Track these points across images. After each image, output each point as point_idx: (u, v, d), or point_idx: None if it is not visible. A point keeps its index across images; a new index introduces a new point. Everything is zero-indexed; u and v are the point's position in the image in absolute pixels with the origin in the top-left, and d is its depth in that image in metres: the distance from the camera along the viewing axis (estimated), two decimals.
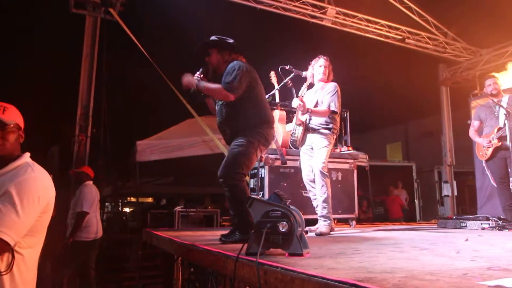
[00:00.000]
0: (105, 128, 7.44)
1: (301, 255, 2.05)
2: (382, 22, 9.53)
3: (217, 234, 3.28)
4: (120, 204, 13.88)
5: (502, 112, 5.12)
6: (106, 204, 12.28)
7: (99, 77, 7.49)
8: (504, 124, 4.98)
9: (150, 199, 15.85)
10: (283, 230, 2.06)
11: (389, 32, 9.70)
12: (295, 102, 4.33)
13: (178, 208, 7.61)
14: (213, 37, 3.43)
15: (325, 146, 4.26)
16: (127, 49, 7.95)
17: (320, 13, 8.90)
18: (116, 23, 7.49)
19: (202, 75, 3.33)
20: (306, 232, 3.94)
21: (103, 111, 7.50)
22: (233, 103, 3.19)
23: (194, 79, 3.26)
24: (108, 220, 11.10)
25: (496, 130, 5.16)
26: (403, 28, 9.80)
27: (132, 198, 14.96)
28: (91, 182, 5.77)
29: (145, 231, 4.78)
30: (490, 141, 5.17)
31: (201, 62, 3.44)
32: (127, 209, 15.54)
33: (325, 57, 4.56)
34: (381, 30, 9.60)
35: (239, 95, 3.18)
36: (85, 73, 7.36)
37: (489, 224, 4.41)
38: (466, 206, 11.60)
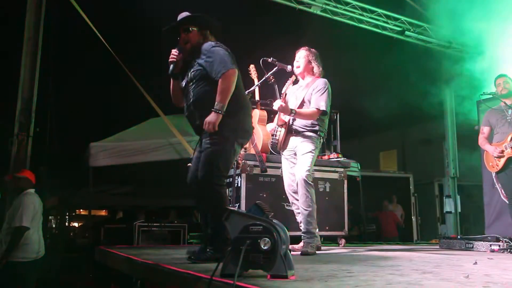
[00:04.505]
0: (51, 127, 7.27)
1: (285, 277, 2.05)
2: (379, 11, 9.62)
3: (184, 252, 3.23)
4: (67, 217, 13.63)
5: None
6: (50, 217, 12.01)
7: (44, 65, 7.32)
8: None
9: (103, 212, 15.62)
10: (265, 248, 2.06)
11: (387, 22, 9.79)
12: (277, 104, 4.32)
13: (138, 222, 7.51)
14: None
15: (310, 151, 4.27)
16: (80, 32, 7.80)
17: None
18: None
19: (180, 54, 3.38)
20: (290, 250, 3.93)
21: (49, 106, 7.33)
22: (206, 84, 3.22)
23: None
24: (52, 237, 10.86)
25: (509, 138, 5.18)
26: (403, 18, 9.93)
27: (82, 210, 14.69)
28: (33, 191, 5.60)
29: (98, 249, 4.71)
30: (503, 151, 5.20)
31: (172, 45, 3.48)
32: (75, 224, 15.26)
33: (306, 48, 4.58)
34: (377, 20, 9.68)
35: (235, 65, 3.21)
36: (27, 59, 7.15)
37: (499, 245, 4.50)
38: (470, 225, 11.77)
